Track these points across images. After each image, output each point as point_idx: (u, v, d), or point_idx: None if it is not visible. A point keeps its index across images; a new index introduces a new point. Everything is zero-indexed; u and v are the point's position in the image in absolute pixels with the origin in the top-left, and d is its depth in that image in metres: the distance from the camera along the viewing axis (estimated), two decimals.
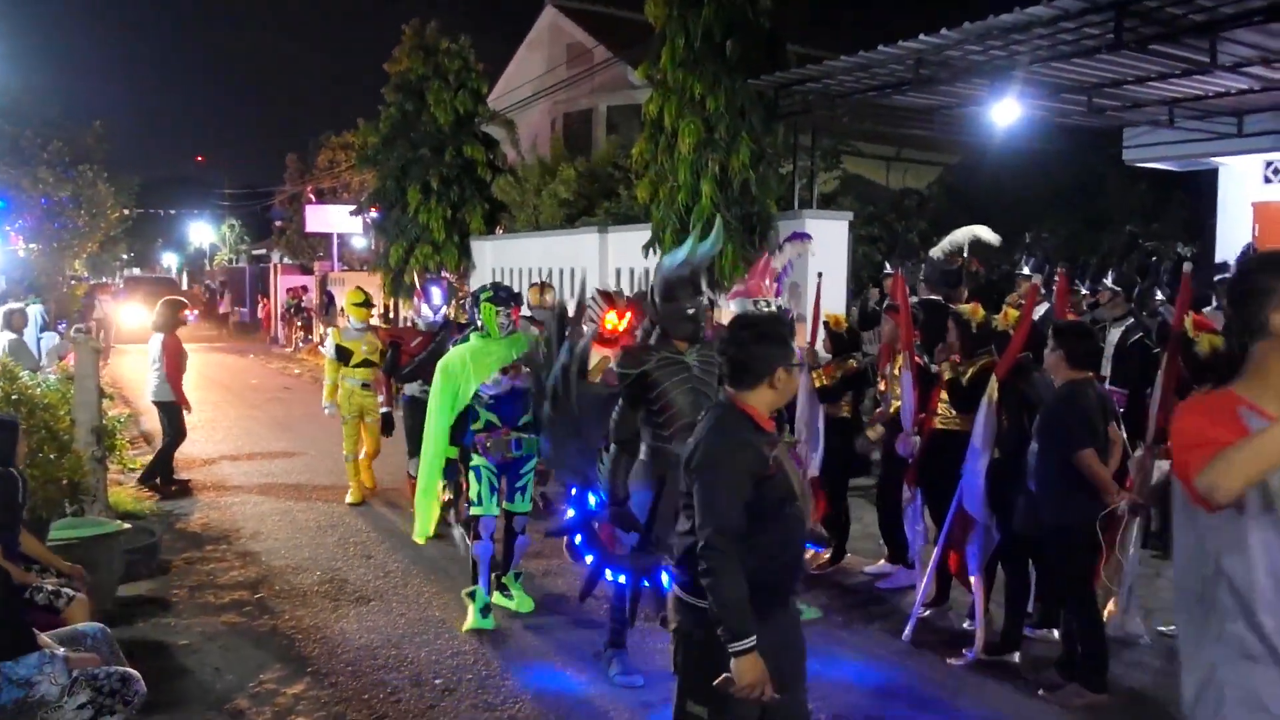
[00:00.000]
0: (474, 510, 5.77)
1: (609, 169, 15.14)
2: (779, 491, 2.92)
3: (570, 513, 5.24)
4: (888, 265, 12.36)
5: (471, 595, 5.77)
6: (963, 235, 10.66)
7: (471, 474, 5.81)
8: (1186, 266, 5.27)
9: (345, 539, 7.69)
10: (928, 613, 5.80)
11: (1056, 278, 6.60)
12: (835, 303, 9.18)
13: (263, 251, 44.25)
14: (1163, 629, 5.56)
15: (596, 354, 5.70)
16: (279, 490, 9.45)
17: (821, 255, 9.90)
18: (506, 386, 5.68)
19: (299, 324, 26.90)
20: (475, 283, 16.67)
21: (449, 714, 4.66)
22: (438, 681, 5.02)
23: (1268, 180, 12.09)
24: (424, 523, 5.84)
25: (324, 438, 12.31)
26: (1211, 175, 12.81)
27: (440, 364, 5.76)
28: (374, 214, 19.59)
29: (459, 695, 4.87)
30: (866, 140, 16.41)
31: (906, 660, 5.31)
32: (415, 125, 16.47)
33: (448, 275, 16.92)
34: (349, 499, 8.76)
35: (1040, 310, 7.51)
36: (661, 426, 4.57)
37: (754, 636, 2.78)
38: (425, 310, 8.14)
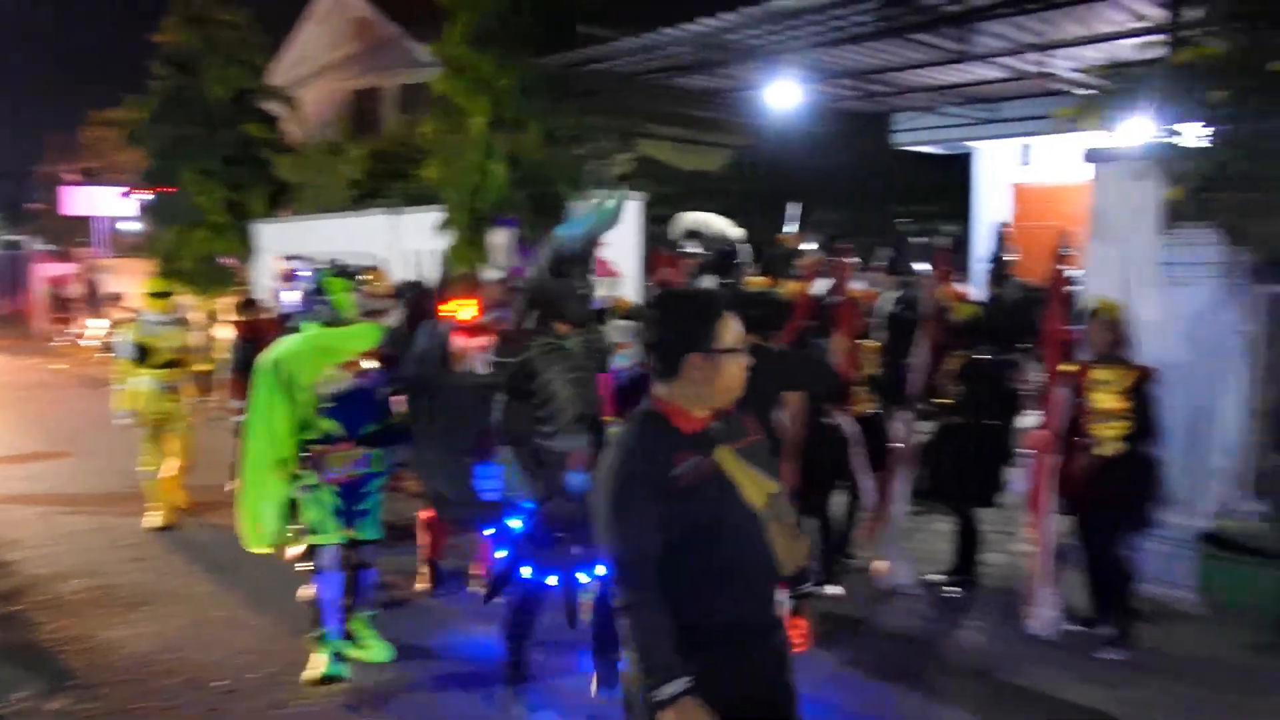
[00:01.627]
0: (313, 539, 4.72)
1: (399, 149, 14.74)
2: (707, 507, 2.39)
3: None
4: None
5: (320, 641, 4.75)
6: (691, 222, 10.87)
7: (305, 496, 4.68)
8: (940, 241, 5.64)
9: (115, 543, 7.17)
10: None
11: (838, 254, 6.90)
12: (631, 283, 9.30)
13: (17, 238, 40.49)
14: (928, 578, 5.98)
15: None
16: (38, 495, 8.69)
17: (616, 234, 10.02)
18: (350, 386, 4.71)
19: (61, 316, 24.83)
20: (259, 269, 15.88)
21: (231, 715, 4.45)
22: (219, 684, 4.77)
23: (1023, 163, 13.13)
24: (259, 526, 4.66)
25: (89, 437, 11.43)
26: (969, 158, 13.79)
27: (260, 363, 4.63)
28: (146, 196, 18.29)
29: (242, 695, 4.65)
30: (659, 122, 16.68)
31: None
32: (188, 101, 15.46)
33: (228, 261, 16.06)
34: (148, 522, 7.45)
35: (825, 285, 7.90)
36: (545, 422, 4.15)
37: (684, 679, 2.28)
38: (287, 296, 7.20)
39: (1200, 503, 5.65)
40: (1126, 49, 7.86)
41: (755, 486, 2.45)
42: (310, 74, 18.93)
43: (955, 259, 8.96)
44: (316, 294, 4.78)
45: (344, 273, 4.90)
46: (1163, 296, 5.73)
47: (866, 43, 8.35)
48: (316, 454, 4.67)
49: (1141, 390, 4.91)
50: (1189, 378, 5.65)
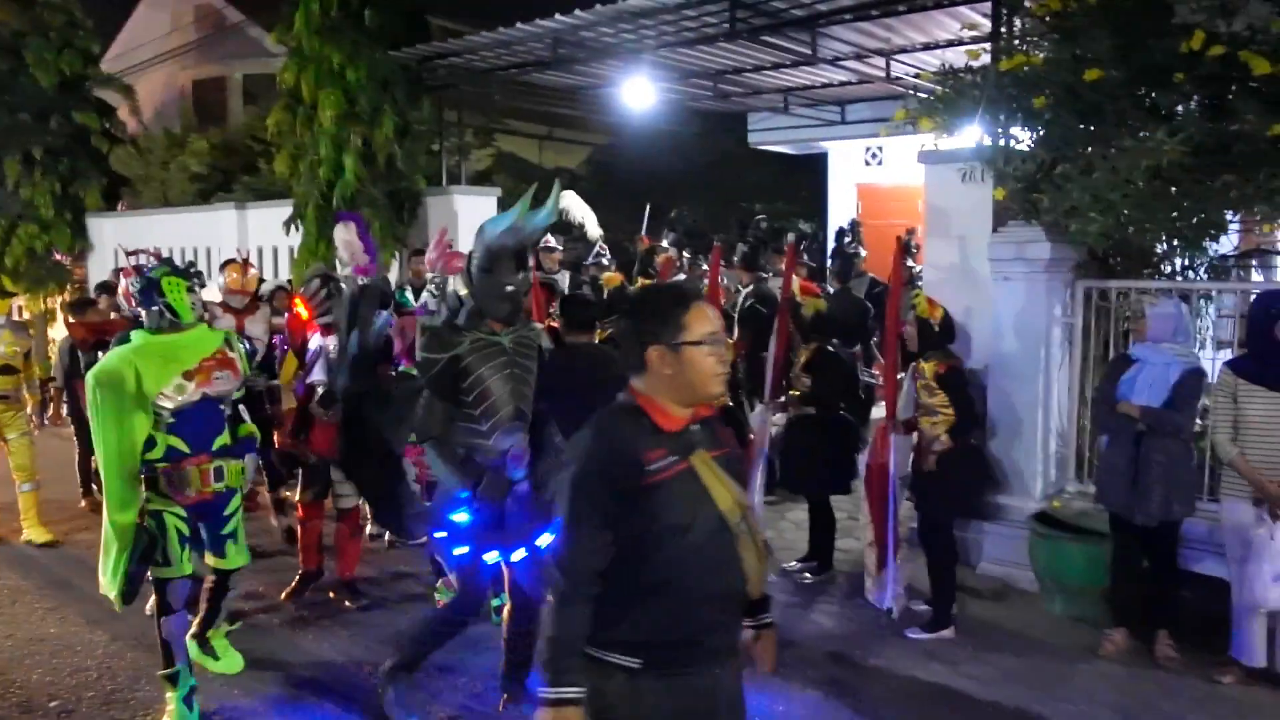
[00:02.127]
0: (158, 572, 4.27)
1: (246, 141, 14.19)
2: (670, 513, 2.26)
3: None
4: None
5: (172, 680, 4.29)
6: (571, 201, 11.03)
7: (152, 523, 4.24)
8: (789, 238, 5.82)
9: None
10: None
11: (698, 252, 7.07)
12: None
13: None
14: (783, 566, 6.18)
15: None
16: None
17: (473, 230, 9.92)
18: (194, 396, 4.24)
19: None
20: (95, 266, 15.02)
21: None
22: (53, 705, 4.53)
23: (867, 163, 13.65)
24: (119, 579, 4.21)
25: None
26: (823, 158, 14.26)
27: (93, 376, 4.15)
28: None
29: (80, 715, 4.42)
30: (519, 119, 16.60)
31: None
32: (12, 88, 14.44)
33: (61, 257, 15.13)
34: None
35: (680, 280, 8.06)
36: (476, 420, 4.00)
37: (573, 689, 2.26)
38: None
39: (1034, 486, 6.01)
40: (960, 55, 8.28)
41: (729, 496, 2.33)
42: (147, 61, 17.99)
43: (811, 255, 9.30)
44: (148, 296, 4.29)
45: (178, 270, 4.38)
46: (995, 291, 6.06)
47: (718, 44, 8.52)
48: (165, 472, 4.22)
49: (948, 381, 5.19)
50: (1021, 368, 6.00)
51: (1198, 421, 5.01)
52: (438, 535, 4.32)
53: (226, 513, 4.46)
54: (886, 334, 5.54)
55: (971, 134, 5.93)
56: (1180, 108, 5.41)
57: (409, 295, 7.69)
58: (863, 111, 12.07)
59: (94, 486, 7.45)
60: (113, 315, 7.90)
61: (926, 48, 8.79)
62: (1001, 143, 5.80)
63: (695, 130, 15.17)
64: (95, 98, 15.23)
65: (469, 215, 10.01)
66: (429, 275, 5.66)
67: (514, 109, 14.64)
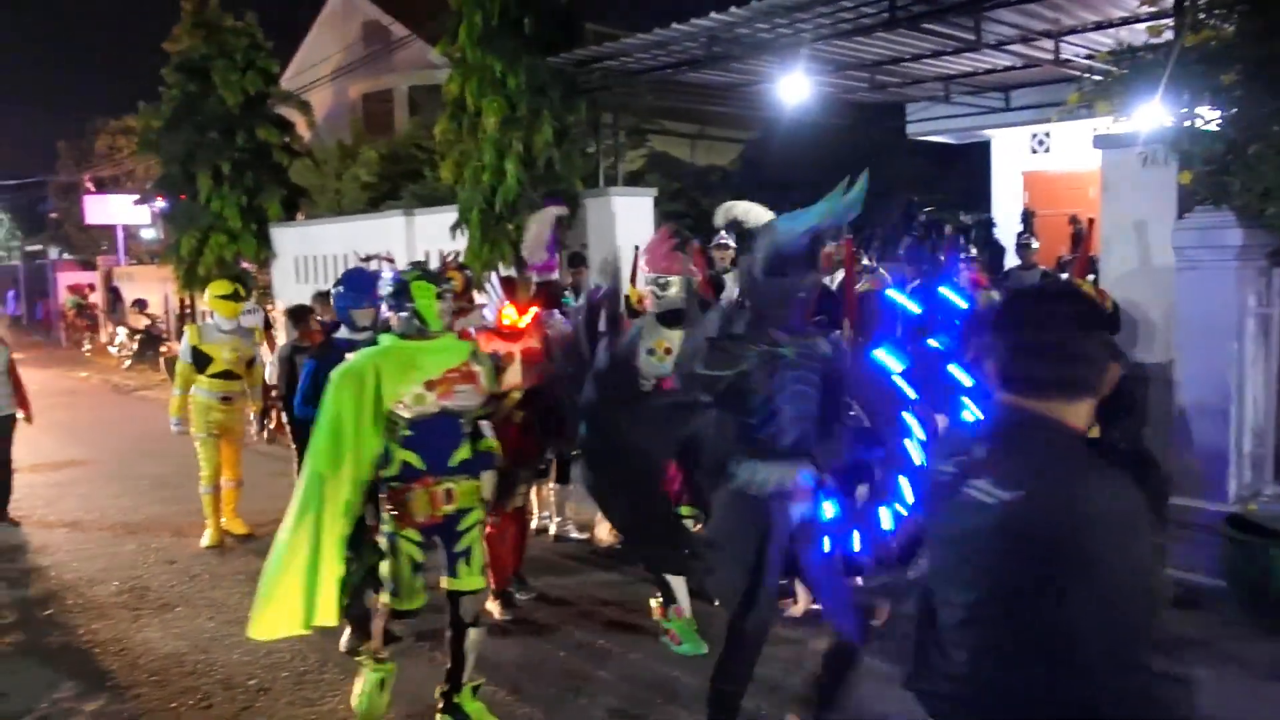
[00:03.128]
0: (386, 601, 4.08)
1: (412, 150, 14.82)
2: None
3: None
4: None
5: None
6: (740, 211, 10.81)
7: (385, 545, 4.06)
8: (847, 235, 5.63)
9: (144, 546, 7.27)
10: None
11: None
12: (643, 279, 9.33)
13: (38, 247, 40.87)
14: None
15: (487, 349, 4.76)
16: (67, 501, 8.81)
17: (629, 231, 10.07)
18: (433, 408, 3.98)
19: (84, 324, 25.06)
20: (278, 273, 15.99)
21: (264, 714, 4.52)
22: (251, 683, 4.85)
23: (1033, 151, 13.12)
24: (320, 590, 3.90)
25: (114, 442, 11.60)
26: (985, 147, 13.78)
27: (337, 373, 3.98)
28: (162, 203, 18.41)
29: (274, 694, 4.72)
30: (671, 118, 16.71)
31: None
32: (201, 107, 15.55)
33: (247, 265, 16.15)
34: (204, 541, 7.15)
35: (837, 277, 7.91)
36: (760, 447, 3.51)
37: None
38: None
39: (1228, 488, 5.65)
40: (1137, 33, 7.85)
41: None
42: (321, 78, 19.02)
43: (980, 247, 8.99)
44: (397, 300, 4.06)
45: (429, 275, 4.16)
46: (1180, 281, 5.73)
47: (876, 34, 8.35)
48: (396, 493, 3.99)
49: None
50: (1211, 362, 5.64)
51: None
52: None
53: (460, 528, 4.11)
54: None
55: (1152, 116, 5.61)
56: None
57: (570, 298, 7.83)
58: (1029, 97, 11.60)
59: None
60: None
61: (1099, 27, 8.38)
62: (1187, 123, 5.46)
63: (850, 122, 14.90)
64: (275, 114, 16.22)
65: (626, 216, 10.16)
66: (649, 275, 5.21)
67: (666, 109, 14.73)
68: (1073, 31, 8.58)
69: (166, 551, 7.11)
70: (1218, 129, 5.40)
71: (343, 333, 5.18)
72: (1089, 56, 8.70)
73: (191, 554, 7.01)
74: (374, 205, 14.45)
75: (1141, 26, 6.34)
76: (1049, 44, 8.94)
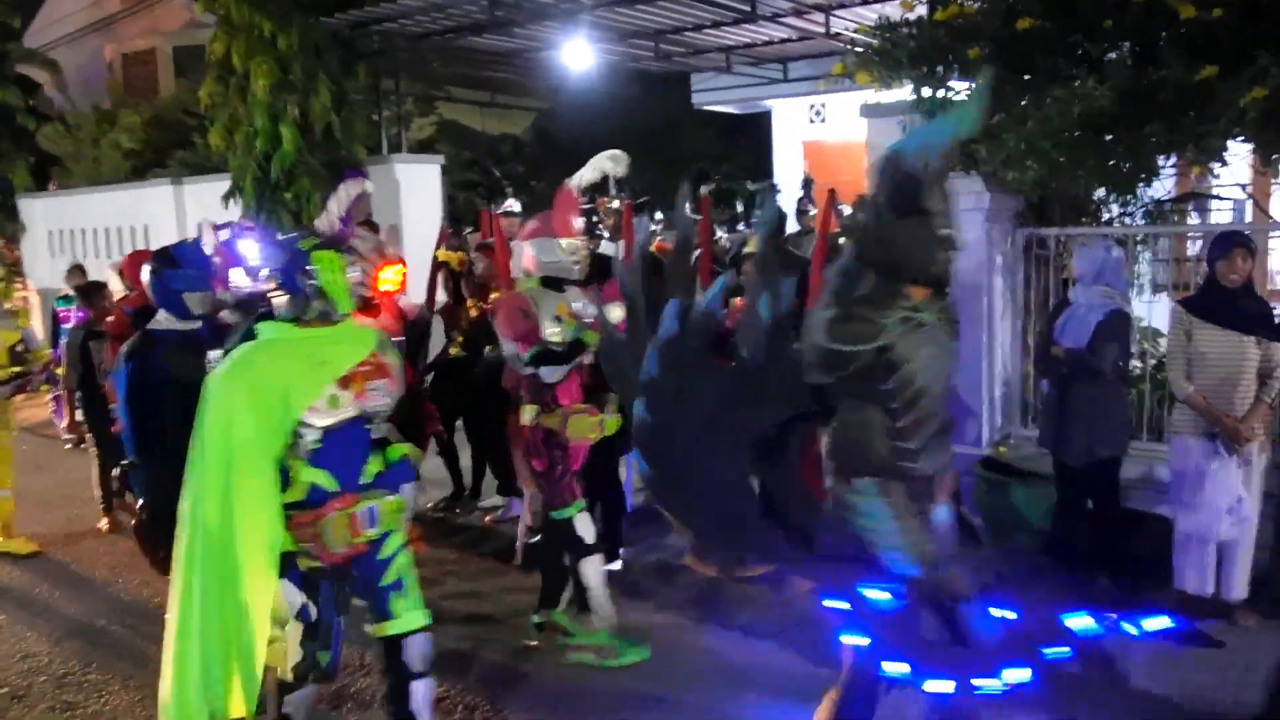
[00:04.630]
0: (284, 671, 3.20)
1: (179, 115, 13.85)
2: None
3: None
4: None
5: None
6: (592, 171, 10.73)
7: (283, 589, 3.13)
8: (703, 191, 5.82)
9: None
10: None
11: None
12: (428, 247, 9.14)
13: None
14: None
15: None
16: None
17: (416, 199, 9.82)
18: (350, 412, 3.21)
19: None
20: (29, 249, 14.61)
21: None
22: (3, 690, 4.46)
23: (811, 121, 13.68)
24: (243, 673, 3.01)
25: None
26: (767, 117, 14.26)
27: (223, 382, 3.08)
28: None
29: (30, 701, 4.37)
30: (461, 85, 16.38)
31: None
32: None
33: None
34: None
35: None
36: (903, 435, 2.83)
37: None
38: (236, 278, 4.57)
39: (981, 433, 6.12)
40: (897, 8, 8.30)
41: None
42: (72, 35, 17.45)
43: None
44: (289, 275, 3.21)
45: (331, 242, 3.39)
46: None
47: (657, 1, 8.44)
48: (307, 521, 3.12)
49: None
50: (965, 316, 6.06)
51: (1135, 364, 5.12)
52: (830, 603, 2.90)
53: (382, 556, 3.27)
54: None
55: (909, 87, 5.96)
56: (1110, 56, 5.48)
57: None
58: (805, 69, 12.05)
59: (114, 502, 6.76)
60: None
61: (865, 2, 8.80)
62: (938, 94, 5.83)
63: (638, 92, 15.07)
64: (18, 74, 14.78)
65: (411, 184, 9.89)
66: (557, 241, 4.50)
67: (455, 76, 14.42)
68: (842, 5, 8.98)
69: None
70: (965, 100, 5.78)
71: (162, 321, 4.18)
72: (855, 30, 9.13)
73: None
74: (139, 174, 13.43)
75: (900, 2, 6.70)
76: (820, 17, 9.32)
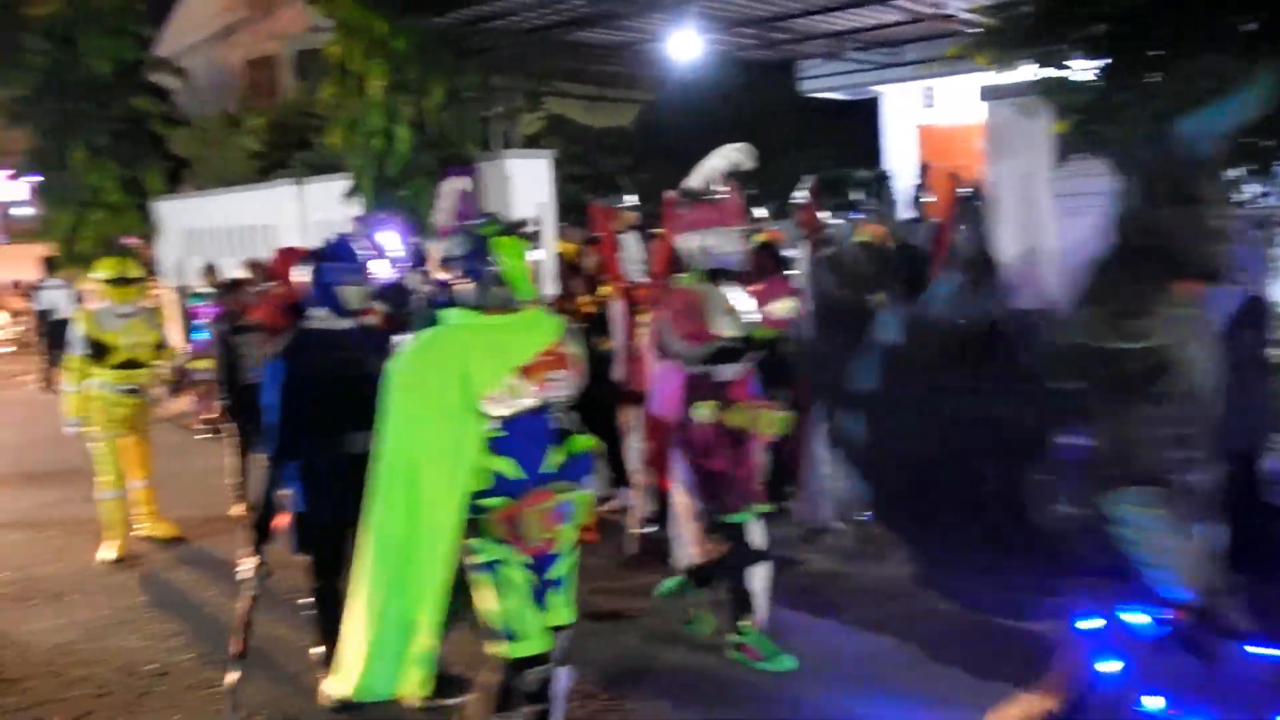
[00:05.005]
0: (510, 650, 3.12)
1: (300, 117, 14.36)
2: None
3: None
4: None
5: None
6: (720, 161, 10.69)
7: (485, 580, 3.12)
8: (811, 180, 5.70)
9: (33, 535, 7.00)
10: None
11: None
12: (548, 244, 9.28)
13: None
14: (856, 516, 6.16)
15: None
16: None
17: (526, 194, 9.98)
18: (531, 402, 3.14)
19: None
20: (165, 248, 15.37)
21: (164, 698, 4.41)
22: (149, 667, 4.72)
23: (925, 105, 13.38)
24: (410, 650, 3.01)
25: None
26: (876, 103, 13.99)
27: (405, 376, 3.08)
28: (35, 178, 17.52)
29: (174, 677, 4.61)
30: (568, 80, 16.54)
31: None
32: (70, 76, 14.80)
33: (129, 240, 15.50)
34: (106, 554, 6.27)
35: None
36: (1177, 442, 2.57)
37: None
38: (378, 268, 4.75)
39: None
40: None
41: None
42: (199, 43, 18.25)
43: (876, 202, 9.16)
44: (471, 262, 3.18)
45: (514, 230, 3.28)
46: (1062, 227, 5.93)
47: None
48: (506, 513, 3.06)
49: None
50: None
51: (1273, 352, 4.86)
52: (1083, 624, 2.70)
53: (555, 550, 3.21)
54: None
55: (1030, 66, 5.77)
56: (1245, 27, 5.21)
57: None
58: (918, 51, 11.78)
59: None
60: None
61: None
62: (1058, 74, 5.63)
63: (743, 81, 14.96)
64: (150, 82, 15.53)
65: (522, 179, 10.05)
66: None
67: (562, 70, 14.58)
68: None
69: (58, 540, 6.85)
70: (1089, 80, 5.58)
71: (317, 319, 4.10)
72: (970, 10, 8.88)
73: (84, 541, 6.75)
74: (263, 175, 13.99)
75: None
76: None
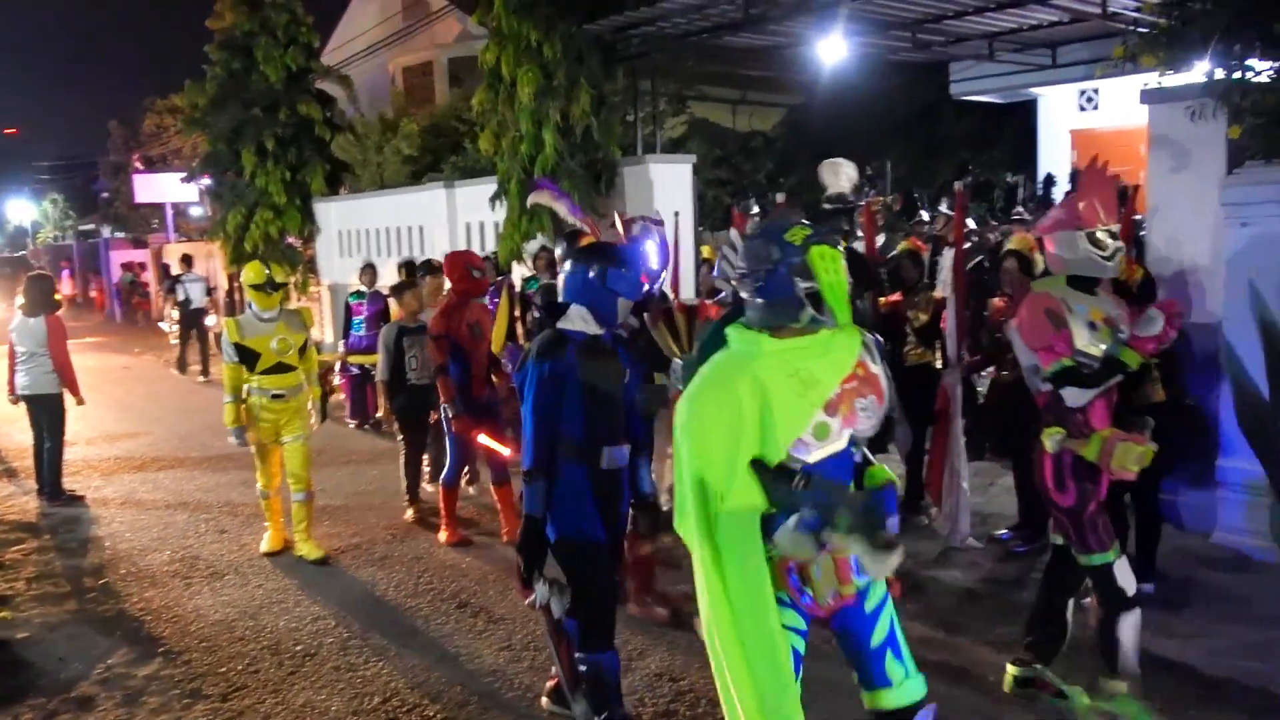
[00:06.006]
0: None
1: (452, 122, 14.82)
2: None
3: None
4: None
5: None
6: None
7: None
8: (958, 185, 5.49)
9: (196, 516, 7.44)
10: None
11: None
12: (684, 245, 9.28)
13: (90, 226, 41.69)
14: (994, 534, 5.95)
15: None
16: (122, 472, 9.03)
17: (668, 198, 10.02)
18: (839, 443, 2.64)
19: (137, 301, 25.65)
20: (322, 247, 16.16)
21: (309, 678, 4.61)
22: (298, 648, 4.95)
23: (1082, 108, 12.82)
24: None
25: (167, 415, 11.86)
26: (1032, 105, 13.49)
27: (690, 400, 2.63)
28: (207, 180, 18.68)
29: (320, 659, 4.82)
30: (712, 84, 16.55)
31: None
32: (245, 84, 15.73)
33: (292, 240, 16.33)
34: (264, 546, 6.47)
35: (880, 238, 7.84)
36: None
37: None
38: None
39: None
40: None
41: None
42: (361, 51, 19.08)
43: (1029, 207, 8.82)
44: (775, 274, 2.60)
45: (823, 234, 2.66)
46: (1232, 238, 5.57)
47: None
48: (793, 573, 2.62)
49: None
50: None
51: None
52: None
53: (871, 606, 2.70)
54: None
55: (1201, 68, 5.43)
56: None
57: None
58: (1076, 53, 11.29)
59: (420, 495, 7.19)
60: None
61: None
62: (1236, 75, 5.28)
63: (893, 84, 14.64)
64: (317, 89, 16.34)
65: (664, 183, 10.09)
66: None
67: (707, 74, 14.60)
68: None
69: (218, 522, 7.26)
70: (1269, 80, 5.21)
71: (574, 321, 3.66)
72: (1137, 9, 8.43)
73: (241, 523, 7.15)
74: (416, 178, 14.50)
75: None
76: None
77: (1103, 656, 3.84)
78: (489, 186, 10.94)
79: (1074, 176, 9.01)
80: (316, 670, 4.69)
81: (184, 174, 22.11)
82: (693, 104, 16.41)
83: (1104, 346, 3.69)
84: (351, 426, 10.32)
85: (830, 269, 2.55)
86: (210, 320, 15.40)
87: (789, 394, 2.53)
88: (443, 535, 6.56)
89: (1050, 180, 11.19)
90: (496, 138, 10.46)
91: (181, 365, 15.61)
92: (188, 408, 12.38)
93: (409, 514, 7.11)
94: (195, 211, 29.04)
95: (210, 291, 16.27)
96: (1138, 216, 7.20)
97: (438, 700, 4.33)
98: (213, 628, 5.25)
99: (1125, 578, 3.77)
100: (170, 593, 5.82)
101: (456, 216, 12.70)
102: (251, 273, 6.24)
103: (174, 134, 28.19)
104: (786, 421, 2.51)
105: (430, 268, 7.62)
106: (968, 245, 7.30)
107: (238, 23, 15.60)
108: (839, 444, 2.61)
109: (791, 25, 9.42)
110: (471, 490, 7.55)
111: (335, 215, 15.83)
